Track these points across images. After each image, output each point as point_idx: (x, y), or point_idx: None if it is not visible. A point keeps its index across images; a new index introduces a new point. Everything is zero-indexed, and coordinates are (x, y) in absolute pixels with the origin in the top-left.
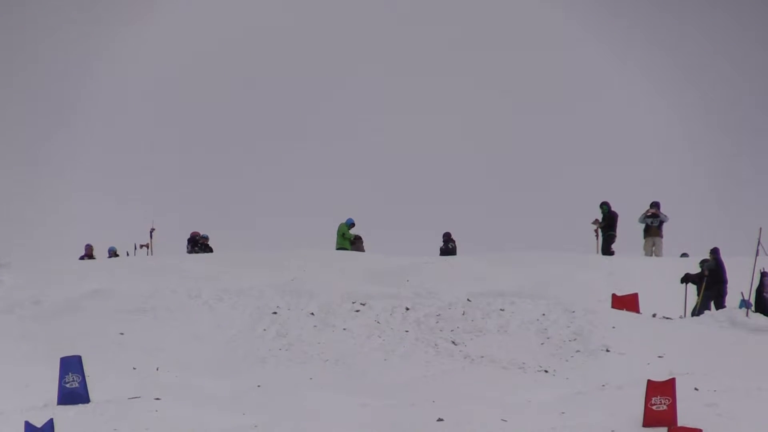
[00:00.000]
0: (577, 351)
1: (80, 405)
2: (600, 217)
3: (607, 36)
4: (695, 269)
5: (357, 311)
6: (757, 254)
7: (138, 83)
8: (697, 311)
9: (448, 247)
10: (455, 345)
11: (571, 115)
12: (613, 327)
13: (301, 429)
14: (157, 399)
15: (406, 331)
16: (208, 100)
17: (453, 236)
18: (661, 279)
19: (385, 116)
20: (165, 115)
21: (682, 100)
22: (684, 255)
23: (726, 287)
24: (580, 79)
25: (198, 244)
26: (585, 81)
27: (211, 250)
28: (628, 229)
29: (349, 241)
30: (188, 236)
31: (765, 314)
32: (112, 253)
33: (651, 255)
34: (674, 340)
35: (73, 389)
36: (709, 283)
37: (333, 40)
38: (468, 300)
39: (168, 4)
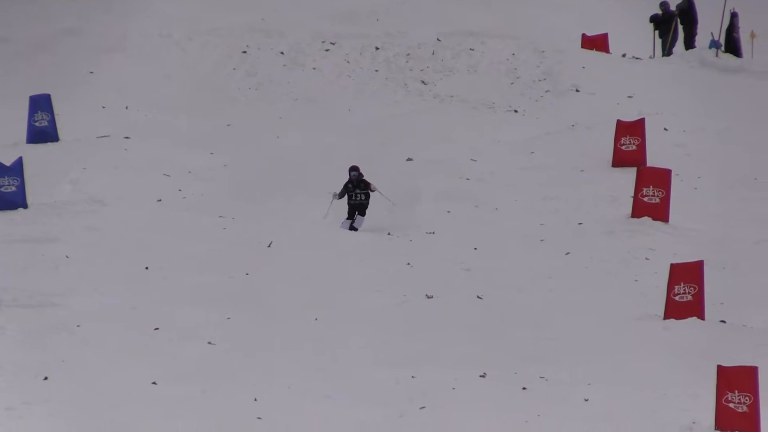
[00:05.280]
0: (547, 91)
1: (49, 143)
2: None
3: None
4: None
5: (327, 50)
6: None
7: None
8: (666, 51)
9: None
10: (425, 84)
11: None
12: (583, 67)
13: (271, 166)
14: (127, 138)
15: (376, 71)
16: None
17: None
18: (631, 19)
19: None
20: None
21: None
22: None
23: (696, 28)
24: None
25: None
26: None
27: None
28: None
29: None
30: None
31: (734, 54)
32: None
33: None
34: (644, 80)
35: (42, 128)
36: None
37: None
38: (438, 39)
39: None
